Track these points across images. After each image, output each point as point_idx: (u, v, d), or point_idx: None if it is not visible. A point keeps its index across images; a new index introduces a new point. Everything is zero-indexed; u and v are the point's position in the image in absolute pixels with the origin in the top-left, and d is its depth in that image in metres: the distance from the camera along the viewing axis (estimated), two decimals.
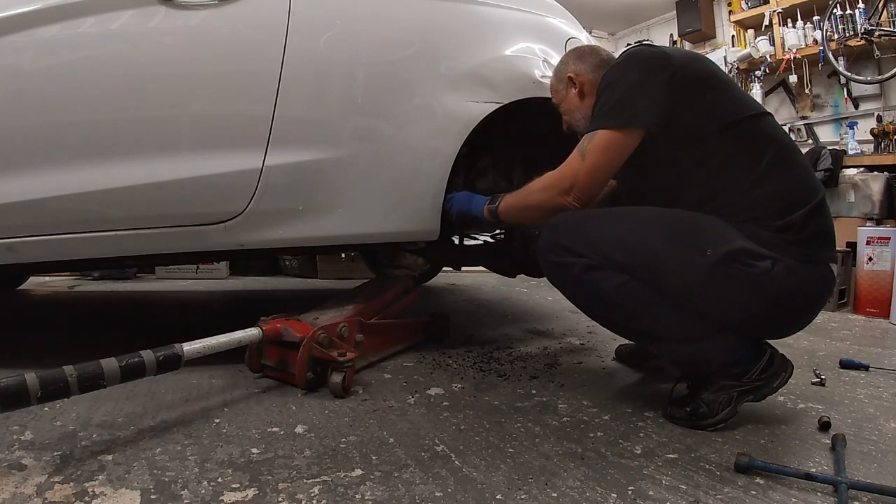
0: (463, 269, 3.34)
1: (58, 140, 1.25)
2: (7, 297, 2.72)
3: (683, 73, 1.15)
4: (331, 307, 1.53)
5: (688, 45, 4.59)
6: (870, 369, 1.60)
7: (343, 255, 3.23)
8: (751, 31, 4.02)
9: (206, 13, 1.32)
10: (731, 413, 1.13)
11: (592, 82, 1.30)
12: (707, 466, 0.98)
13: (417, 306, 1.87)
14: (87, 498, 0.82)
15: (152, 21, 1.29)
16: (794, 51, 3.67)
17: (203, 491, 0.85)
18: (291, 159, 1.39)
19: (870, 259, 2.66)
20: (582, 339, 1.94)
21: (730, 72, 3.96)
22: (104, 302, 2.69)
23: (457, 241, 2.03)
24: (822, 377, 1.47)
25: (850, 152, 3.36)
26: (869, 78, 3.43)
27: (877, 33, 3.26)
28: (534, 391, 1.36)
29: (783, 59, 3.73)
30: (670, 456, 1.02)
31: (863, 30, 3.30)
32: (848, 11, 3.39)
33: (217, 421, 1.12)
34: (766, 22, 3.84)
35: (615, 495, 0.87)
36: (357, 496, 0.85)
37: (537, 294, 2.93)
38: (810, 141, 3.82)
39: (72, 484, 0.86)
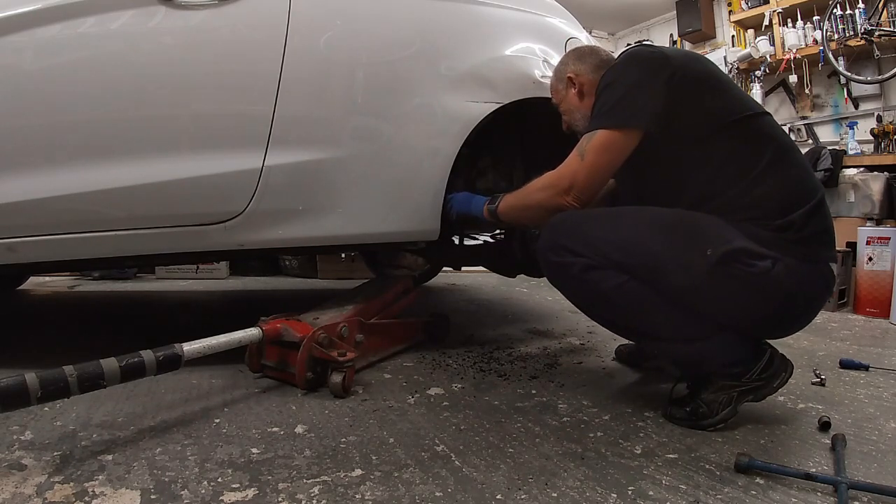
0: (463, 269, 3.34)
1: (58, 140, 1.25)
2: (7, 297, 2.72)
3: (682, 73, 1.15)
4: (331, 307, 1.53)
5: (688, 45, 4.59)
6: (870, 369, 1.60)
7: (343, 255, 3.23)
8: (751, 31, 4.03)
9: (206, 13, 1.32)
10: (731, 413, 1.13)
11: (592, 82, 1.30)
12: (707, 466, 0.98)
13: (417, 306, 1.87)
14: (87, 498, 0.82)
15: (152, 21, 1.29)
16: (794, 51, 3.67)
17: (203, 491, 0.85)
18: (291, 159, 1.39)
19: (870, 259, 2.66)
20: (582, 339, 1.94)
21: (730, 72, 3.96)
22: (104, 302, 2.69)
23: (457, 241, 2.03)
24: (822, 377, 1.47)
25: (850, 152, 3.36)
26: (869, 78, 3.43)
27: (877, 33, 3.26)
28: (534, 391, 1.36)
29: (783, 59, 3.73)
30: (670, 456, 1.02)
31: (863, 30, 3.30)
32: (848, 11, 3.39)
33: (217, 421, 1.12)
34: (766, 22, 3.85)
35: (615, 495, 0.87)
36: (357, 496, 0.85)
37: (537, 294, 2.93)
38: (810, 141, 3.82)
39: (72, 484, 0.86)
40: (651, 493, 0.88)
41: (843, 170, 3.17)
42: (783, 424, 1.18)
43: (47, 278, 3.22)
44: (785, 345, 1.36)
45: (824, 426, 1.15)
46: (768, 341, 1.19)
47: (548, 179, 1.25)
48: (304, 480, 0.89)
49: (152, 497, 0.83)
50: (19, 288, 2.88)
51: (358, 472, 0.93)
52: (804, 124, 3.88)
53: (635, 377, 1.53)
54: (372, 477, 0.91)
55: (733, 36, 4.23)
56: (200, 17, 1.32)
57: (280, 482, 0.88)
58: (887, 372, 1.59)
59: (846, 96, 3.62)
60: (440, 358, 1.63)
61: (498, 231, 1.96)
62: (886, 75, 3.31)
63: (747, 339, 1.16)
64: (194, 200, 1.35)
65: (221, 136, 1.36)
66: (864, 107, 3.60)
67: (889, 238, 2.62)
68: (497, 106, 1.59)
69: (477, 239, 2.12)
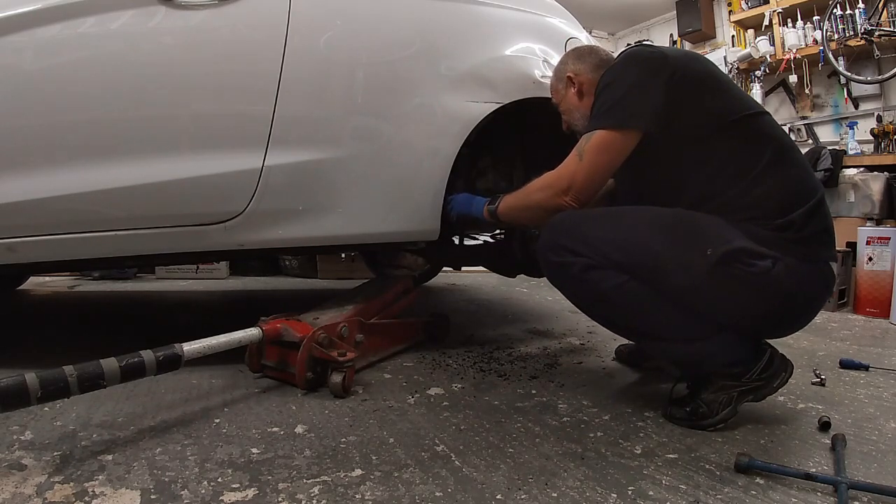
0: (463, 269, 3.34)
1: (58, 140, 1.25)
2: (7, 297, 2.72)
3: (682, 73, 1.15)
4: (331, 307, 1.53)
5: (688, 45, 4.59)
6: (870, 369, 1.60)
7: (343, 255, 3.23)
8: (751, 31, 4.03)
9: (206, 13, 1.32)
10: (731, 413, 1.13)
11: (591, 82, 1.30)
12: (707, 466, 0.98)
13: (417, 306, 1.87)
14: (87, 498, 0.82)
15: (152, 21, 1.29)
16: (794, 51, 3.67)
17: (203, 491, 0.85)
18: (291, 159, 1.39)
19: (870, 259, 2.66)
20: (582, 339, 1.94)
21: (730, 72, 3.96)
22: (104, 302, 2.69)
23: (457, 242, 2.03)
24: (822, 377, 1.47)
25: (850, 152, 3.36)
26: (869, 78, 3.43)
27: (877, 33, 3.26)
28: (534, 391, 1.36)
29: (783, 59, 3.73)
30: (670, 456, 1.02)
31: (863, 30, 3.30)
32: (848, 11, 3.39)
33: (217, 421, 1.12)
34: (766, 22, 3.85)
35: (615, 495, 0.87)
36: (357, 496, 0.85)
37: (537, 294, 2.93)
38: (810, 141, 3.82)
39: (72, 484, 0.86)
40: (651, 493, 0.88)
41: (843, 170, 3.17)
42: (783, 424, 1.18)
43: (47, 278, 3.22)
44: (785, 345, 1.36)
45: (824, 426, 1.15)
46: (768, 341, 1.19)
47: (547, 180, 1.25)
48: (304, 480, 0.89)
49: (152, 497, 0.83)
50: (19, 288, 2.88)
51: (358, 472, 0.93)
52: (804, 124, 3.88)
53: (635, 377, 1.53)
54: (372, 477, 0.91)
55: (733, 36, 4.23)
56: (200, 17, 1.32)
57: (280, 482, 0.88)
58: (887, 372, 1.59)
59: (846, 96, 3.62)
60: (440, 358, 1.63)
61: (498, 231, 1.96)
62: (886, 75, 3.31)
63: (747, 338, 1.16)
64: (194, 200, 1.35)
65: (221, 136, 1.36)
66: (864, 107, 3.60)
67: (889, 238, 2.62)
68: (497, 106, 1.59)
69: (477, 239, 2.12)
